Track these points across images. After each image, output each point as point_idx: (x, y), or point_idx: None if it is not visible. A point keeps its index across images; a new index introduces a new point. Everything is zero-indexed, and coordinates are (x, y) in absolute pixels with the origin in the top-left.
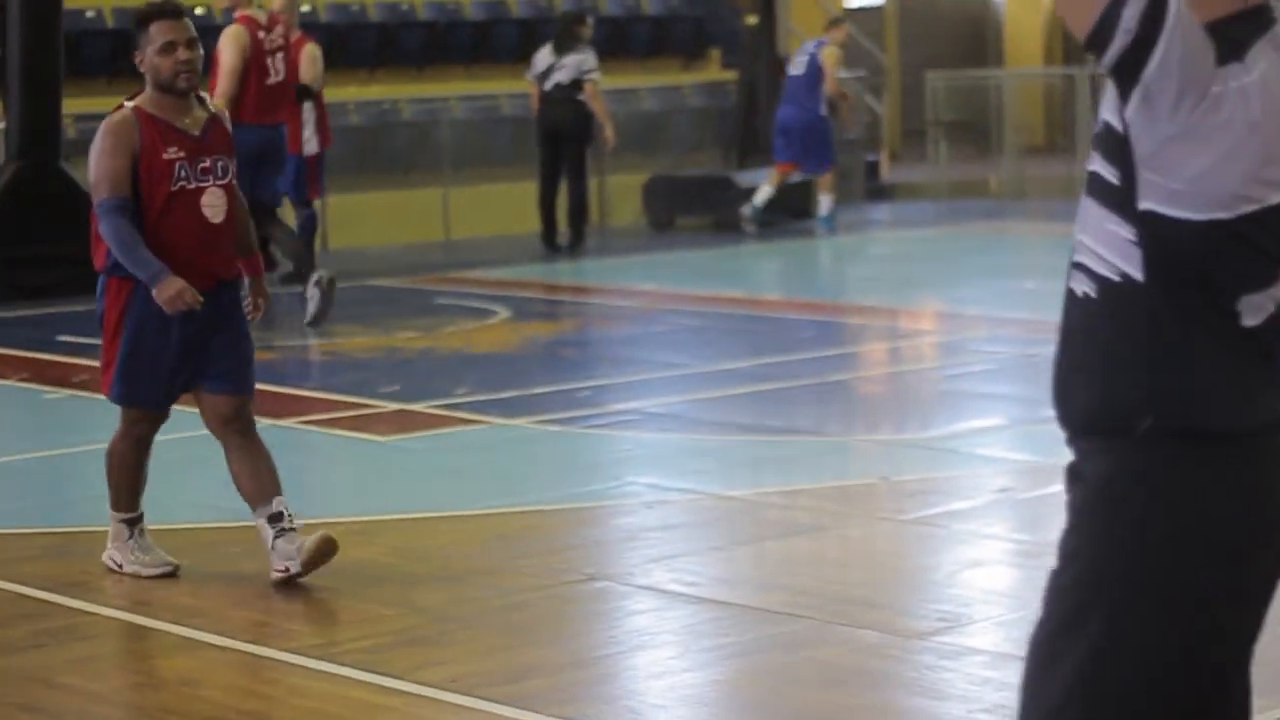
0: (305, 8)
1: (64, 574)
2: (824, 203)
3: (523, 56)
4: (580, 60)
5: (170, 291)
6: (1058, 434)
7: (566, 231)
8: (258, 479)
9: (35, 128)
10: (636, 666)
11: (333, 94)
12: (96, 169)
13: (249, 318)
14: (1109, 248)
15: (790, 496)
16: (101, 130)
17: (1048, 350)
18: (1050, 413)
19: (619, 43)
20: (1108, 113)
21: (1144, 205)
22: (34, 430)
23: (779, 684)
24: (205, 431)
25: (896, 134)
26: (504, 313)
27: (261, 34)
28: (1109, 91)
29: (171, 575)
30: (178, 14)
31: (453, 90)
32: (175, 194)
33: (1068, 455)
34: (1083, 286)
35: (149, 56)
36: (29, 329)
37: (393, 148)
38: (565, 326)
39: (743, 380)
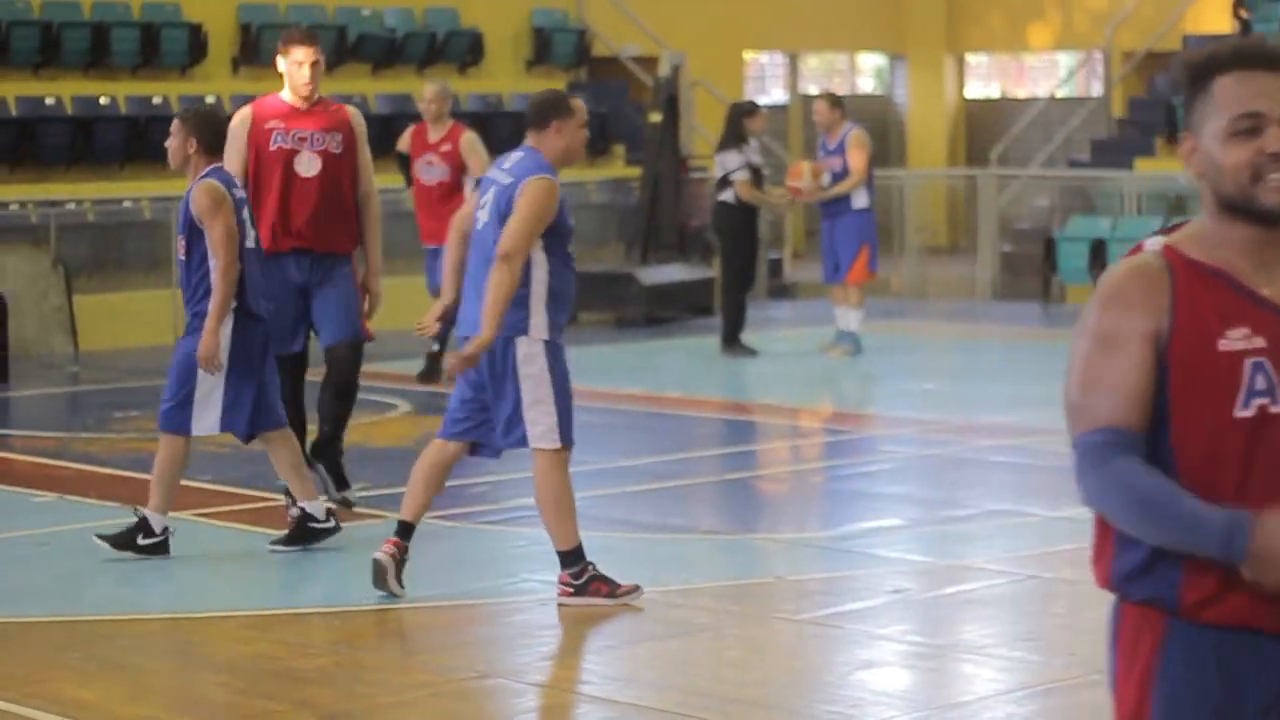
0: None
1: None
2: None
3: None
4: (723, 158)
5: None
6: (953, 535)
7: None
8: None
9: None
10: None
11: None
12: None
13: None
14: None
15: (688, 595)
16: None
17: (946, 451)
18: (948, 513)
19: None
20: None
21: None
22: None
23: None
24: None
25: (800, 233)
26: (404, 406)
27: None
28: None
29: None
30: None
31: None
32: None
33: (964, 556)
34: None
35: None
36: None
37: None
38: None
39: (642, 477)
